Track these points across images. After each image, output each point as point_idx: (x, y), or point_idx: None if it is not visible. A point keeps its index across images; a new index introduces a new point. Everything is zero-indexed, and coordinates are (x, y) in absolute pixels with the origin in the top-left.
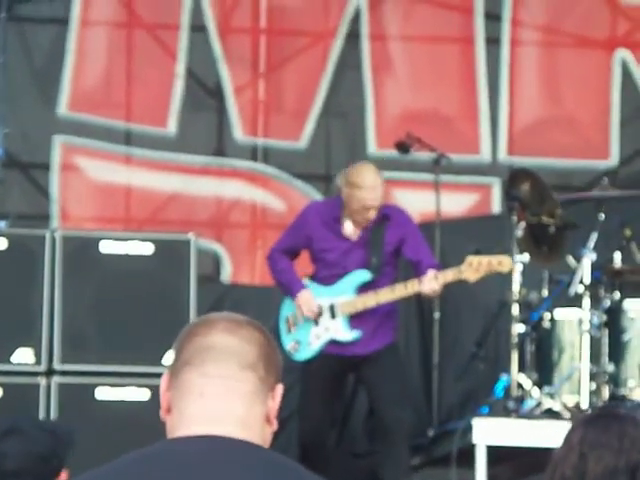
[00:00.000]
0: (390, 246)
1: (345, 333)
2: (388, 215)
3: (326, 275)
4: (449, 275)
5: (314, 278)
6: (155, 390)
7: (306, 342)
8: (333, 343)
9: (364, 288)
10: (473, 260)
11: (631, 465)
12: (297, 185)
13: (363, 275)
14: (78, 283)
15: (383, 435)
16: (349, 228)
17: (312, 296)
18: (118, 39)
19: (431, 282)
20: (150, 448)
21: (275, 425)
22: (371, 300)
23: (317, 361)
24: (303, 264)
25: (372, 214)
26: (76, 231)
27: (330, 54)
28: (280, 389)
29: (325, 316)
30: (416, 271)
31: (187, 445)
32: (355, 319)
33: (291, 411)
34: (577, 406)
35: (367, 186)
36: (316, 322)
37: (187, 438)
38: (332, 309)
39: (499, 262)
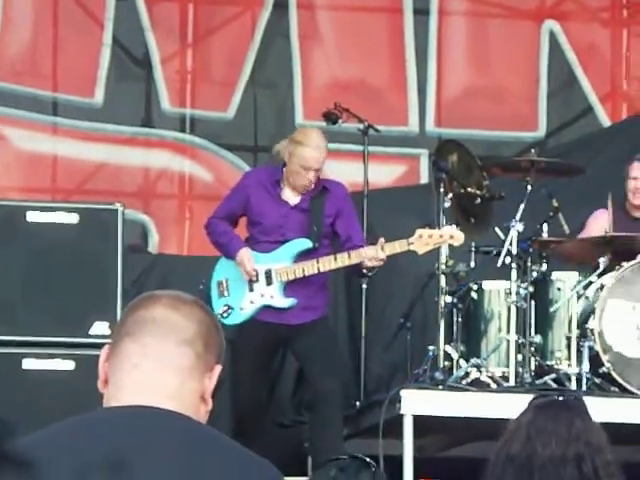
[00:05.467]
0: (329, 218)
1: (281, 300)
2: (327, 188)
3: (264, 241)
4: (397, 246)
5: (251, 245)
6: (80, 360)
7: (238, 307)
8: (266, 310)
9: (302, 257)
10: (423, 232)
11: (577, 456)
12: (225, 156)
13: (303, 243)
14: (4, 253)
15: (316, 406)
16: (288, 193)
17: (252, 255)
18: (44, 7)
19: (378, 251)
20: (80, 417)
21: (210, 404)
22: (311, 268)
23: (249, 330)
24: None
25: (312, 177)
26: (2, 201)
27: (258, 24)
28: (218, 369)
29: (261, 282)
30: (342, 247)
31: (117, 415)
32: (290, 288)
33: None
34: (504, 377)
35: (311, 144)
36: (251, 288)
37: (118, 408)
38: (268, 275)
39: (451, 236)
